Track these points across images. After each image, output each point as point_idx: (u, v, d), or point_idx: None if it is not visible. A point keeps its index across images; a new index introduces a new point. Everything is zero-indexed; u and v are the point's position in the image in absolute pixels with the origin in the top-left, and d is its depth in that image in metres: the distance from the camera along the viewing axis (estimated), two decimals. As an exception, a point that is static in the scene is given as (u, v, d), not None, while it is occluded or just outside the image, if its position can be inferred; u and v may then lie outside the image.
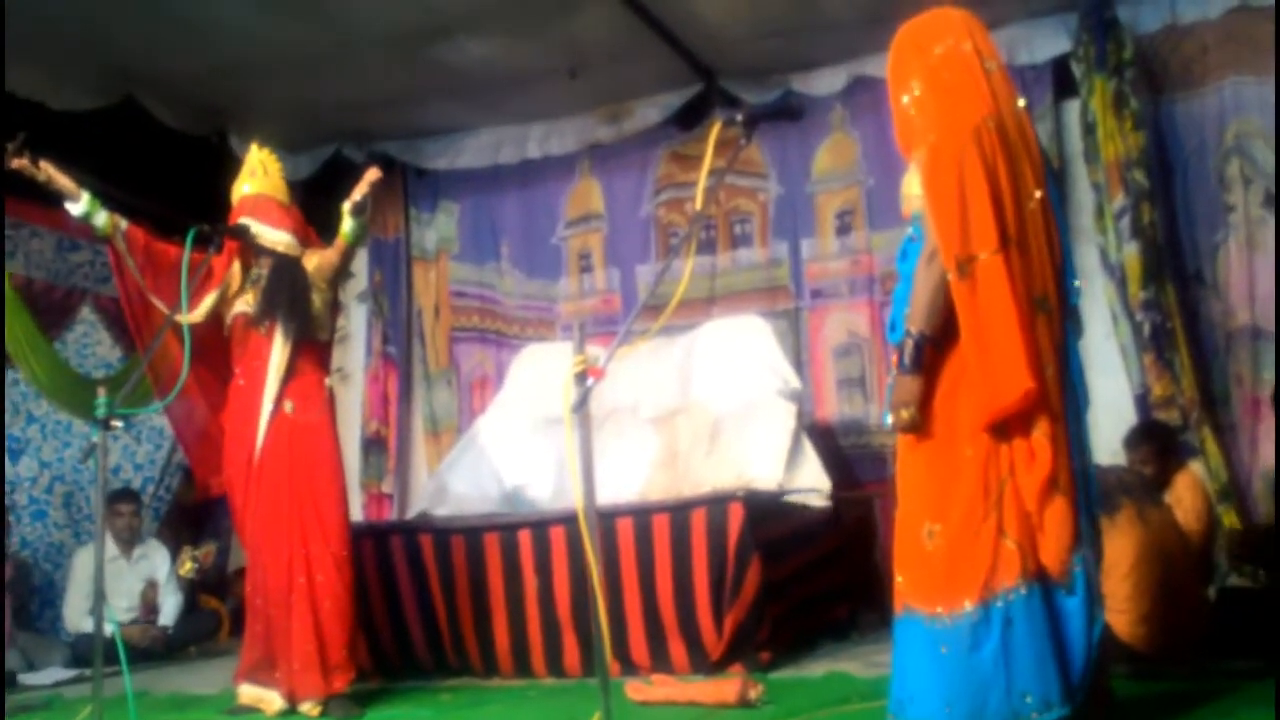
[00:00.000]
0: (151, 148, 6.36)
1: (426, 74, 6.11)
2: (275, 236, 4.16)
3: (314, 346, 4.22)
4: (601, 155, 6.92)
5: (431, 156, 7.15)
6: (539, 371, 5.79)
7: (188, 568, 6.49)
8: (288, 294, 4.12)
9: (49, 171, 3.92)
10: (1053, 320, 2.61)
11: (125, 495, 6.23)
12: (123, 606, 5.90)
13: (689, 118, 6.62)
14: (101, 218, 4.04)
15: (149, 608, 6.06)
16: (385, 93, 6.36)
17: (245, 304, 4.16)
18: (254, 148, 4.36)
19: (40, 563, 6.28)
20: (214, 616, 6.55)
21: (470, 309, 7.20)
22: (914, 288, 2.62)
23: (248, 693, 4.07)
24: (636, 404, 5.45)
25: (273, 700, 3.99)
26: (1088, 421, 2.72)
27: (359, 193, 4.12)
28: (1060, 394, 2.60)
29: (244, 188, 4.25)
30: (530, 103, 6.64)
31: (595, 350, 2.83)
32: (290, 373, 4.10)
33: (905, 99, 2.68)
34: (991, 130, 2.57)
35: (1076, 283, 2.75)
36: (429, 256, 7.33)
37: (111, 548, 5.82)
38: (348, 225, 4.17)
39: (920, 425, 2.60)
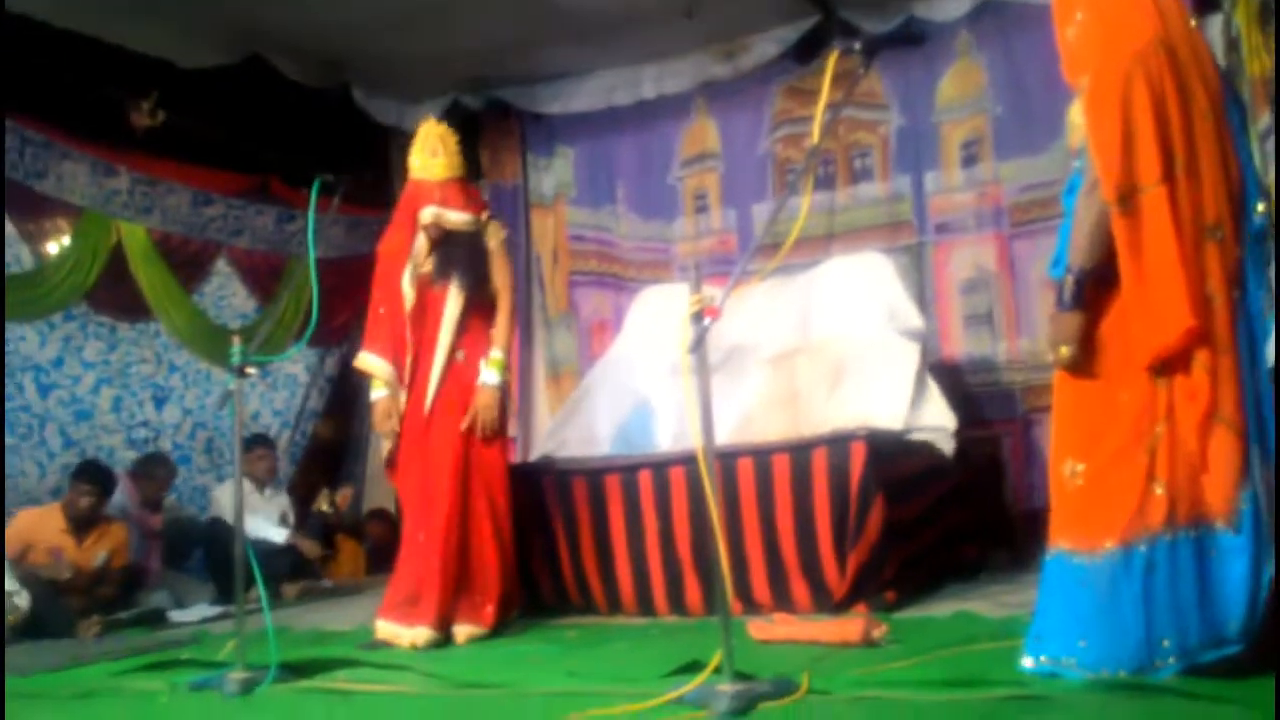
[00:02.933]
0: (277, 102, 6.53)
1: (540, 19, 6.11)
2: (458, 218, 4.41)
3: (483, 303, 4.46)
4: (717, 93, 6.83)
5: (546, 101, 7.16)
6: (656, 314, 5.78)
7: (324, 506, 6.75)
8: (464, 255, 4.40)
9: None
10: (1225, 247, 2.51)
11: (261, 441, 6.54)
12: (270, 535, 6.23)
13: (806, 51, 6.46)
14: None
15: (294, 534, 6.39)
16: (500, 40, 6.38)
17: (427, 266, 4.42)
18: (431, 122, 4.53)
19: (185, 505, 6.58)
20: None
21: (588, 253, 7.23)
22: (1075, 221, 2.56)
23: (385, 629, 4.23)
24: (756, 344, 5.39)
25: (406, 636, 4.15)
26: (1266, 352, 2.60)
27: None
28: (1231, 324, 2.49)
29: (426, 169, 4.41)
30: (644, 43, 6.58)
31: (711, 290, 2.80)
32: (462, 326, 4.38)
33: (1070, 31, 2.59)
34: (1160, 53, 2.47)
35: (1260, 206, 2.63)
36: (546, 202, 7.37)
37: (248, 485, 6.07)
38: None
39: (1080, 363, 2.53)
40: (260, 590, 3.71)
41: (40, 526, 5.40)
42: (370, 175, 7.32)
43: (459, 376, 4.35)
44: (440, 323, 4.36)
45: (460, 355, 4.37)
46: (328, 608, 5.64)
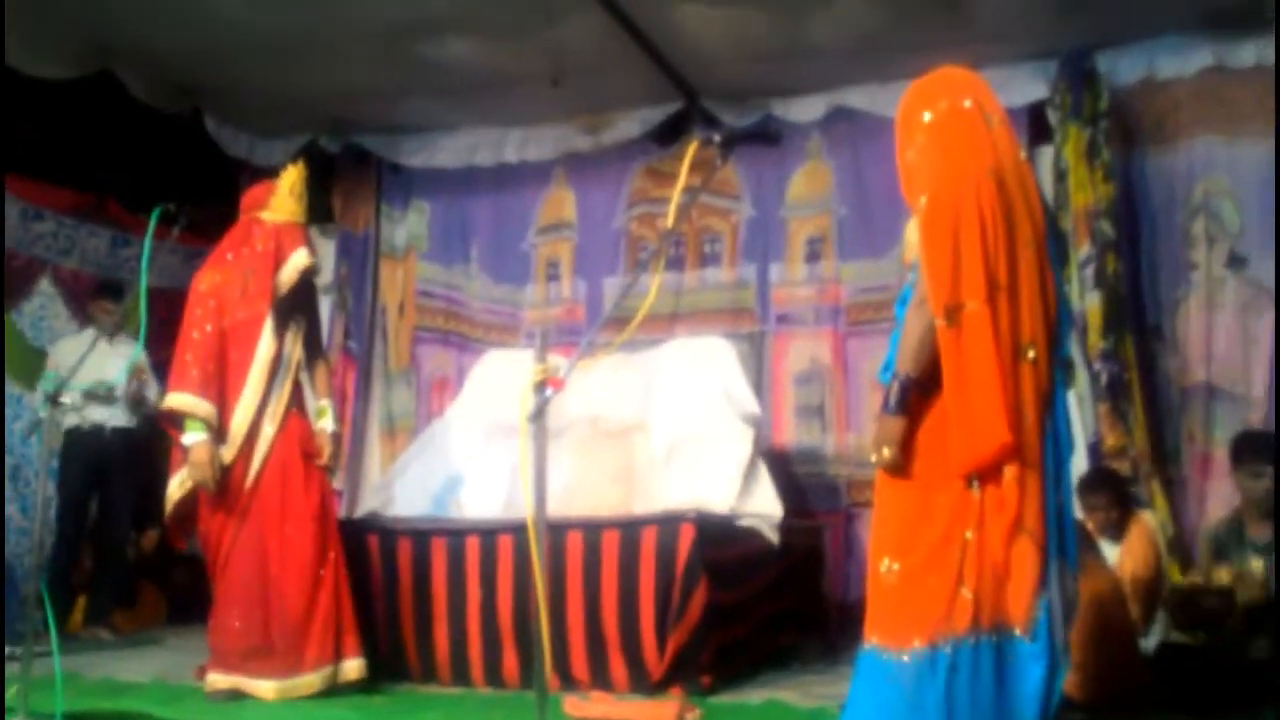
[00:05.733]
0: (123, 121, 6.31)
1: (408, 70, 6.08)
2: (319, 263, 4.56)
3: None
4: (577, 165, 6.92)
5: (407, 153, 7.11)
6: (499, 377, 5.75)
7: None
8: (304, 303, 4.48)
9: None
10: (1038, 368, 2.66)
11: (109, 292, 6.24)
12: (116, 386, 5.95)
13: (667, 134, 6.64)
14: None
15: (139, 392, 6.07)
16: (364, 86, 6.32)
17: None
18: (300, 166, 4.54)
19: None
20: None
21: (435, 309, 7.17)
22: (904, 331, 2.69)
23: (225, 680, 4.13)
24: (595, 418, 5.42)
25: (262, 689, 4.09)
26: (1070, 468, 2.76)
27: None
28: (1039, 440, 2.64)
29: (294, 213, 4.44)
30: (510, 107, 6.63)
31: (556, 360, 2.82)
32: (298, 375, 4.42)
33: (910, 154, 2.75)
34: (990, 182, 2.63)
35: (1067, 340, 2.82)
36: (398, 254, 7.30)
37: (98, 336, 5.79)
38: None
39: (901, 465, 2.64)
40: (52, 632, 3.51)
41: None
42: (215, 206, 7.12)
43: (295, 425, 4.33)
44: (277, 371, 4.31)
45: (293, 403, 4.36)
46: (124, 657, 5.34)
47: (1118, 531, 4.50)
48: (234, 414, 4.20)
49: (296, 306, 4.43)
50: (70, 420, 5.80)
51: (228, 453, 4.19)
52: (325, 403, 4.55)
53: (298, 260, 4.34)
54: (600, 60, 5.91)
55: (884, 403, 2.69)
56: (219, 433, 4.18)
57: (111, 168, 6.69)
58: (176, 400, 4.17)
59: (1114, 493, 4.61)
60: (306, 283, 4.45)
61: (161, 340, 6.43)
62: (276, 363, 4.31)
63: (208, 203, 6.56)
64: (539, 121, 6.79)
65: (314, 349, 4.62)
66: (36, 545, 3.71)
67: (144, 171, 6.43)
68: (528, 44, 5.78)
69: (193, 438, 4.13)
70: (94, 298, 6.24)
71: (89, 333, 6.03)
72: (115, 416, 6.03)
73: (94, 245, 6.88)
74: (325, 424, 4.47)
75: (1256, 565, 4.49)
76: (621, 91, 6.38)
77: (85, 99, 6.01)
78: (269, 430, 4.24)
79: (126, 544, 6.39)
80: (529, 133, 6.87)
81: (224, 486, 4.18)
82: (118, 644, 5.75)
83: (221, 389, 4.21)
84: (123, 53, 5.88)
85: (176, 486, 4.26)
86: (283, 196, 4.43)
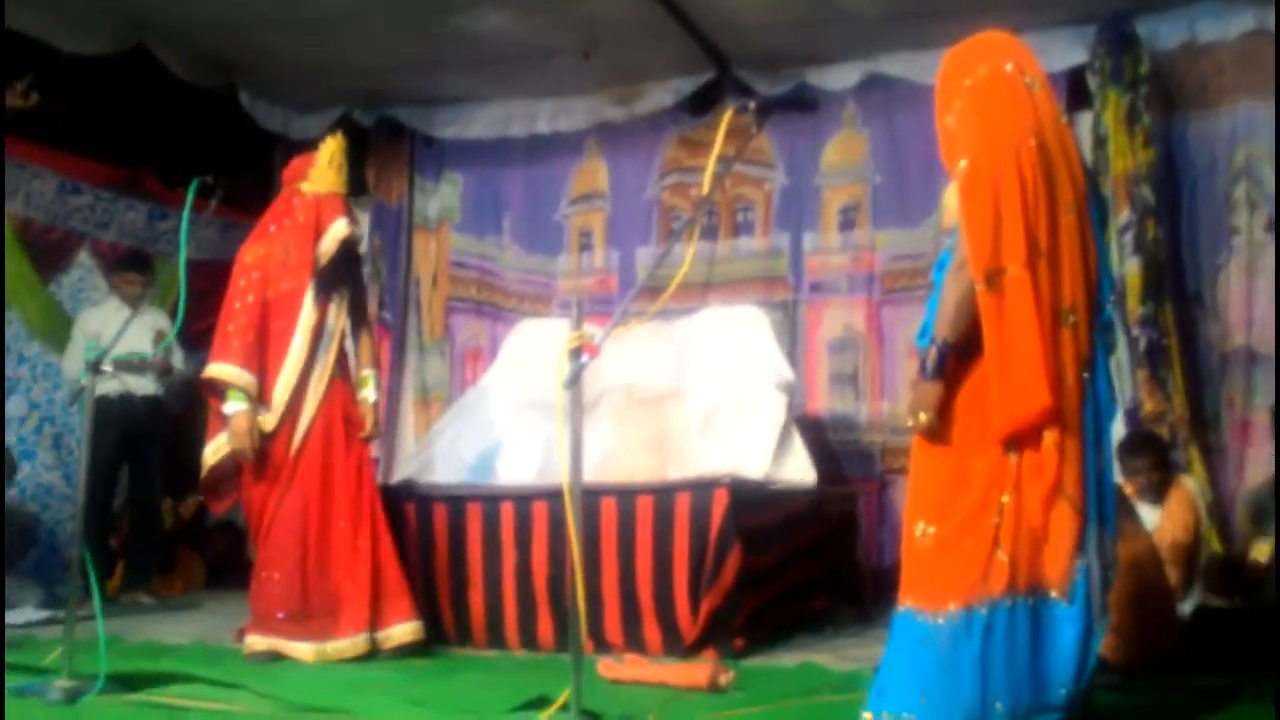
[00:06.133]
0: (159, 96, 6.35)
1: (441, 43, 6.08)
2: (360, 235, 4.70)
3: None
4: (610, 135, 6.90)
5: (440, 125, 7.12)
6: (533, 347, 5.78)
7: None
8: (346, 272, 4.55)
9: None
10: (1078, 332, 2.65)
11: (134, 263, 6.32)
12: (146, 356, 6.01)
13: (700, 104, 6.60)
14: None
15: (166, 361, 6.14)
16: (398, 59, 6.34)
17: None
18: (339, 138, 4.59)
19: (26, 502, 6.27)
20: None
21: (469, 280, 7.20)
22: (942, 296, 2.67)
23: (263, 642, 4.20)
24: (629, 385, 5.44)
25: (300, 650, 4.17)
26: (1110, 434, 2.75)
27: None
28: (1079, 405, 2.63)
29: (333, 184, 4.49)
30: (542, 78, 6.61)
31: (591, 328, 2.83)
32: (342, 344, 4.50)
33: (949, 119, 2.73)
34: (1031, 146, 2.62)
35: (1109, 304, 2.80)
36: (431, 225, 7.32)
37: (121, 307, 5.95)
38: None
39: (938, 430, 2.64)
40: (95, 596, 3.58)
41: None
42: (251, 179, 7.17)
43: (338, 394, 4.40)
44: (320, 340, 4.37)
45: (338, 372, 4.43)
46: (163, 620, 5.43)
47: (1158, 495, 4.48)
48: (276, 383, 4.27)
49: (339, 276, 4.48)
50: (101, 388, 5.87)
51: (269, 421, 4.26)
52: (368, 372, 4.62)
53: (337, 230, 4.40)
54: (632, 31, 5.89)
55: (920, 368, 2.69)
56: (260, 401, 4.25)
57: (147, 142, 6.75)
58: (218, 370, 4.25)
59: (1155, 455, 4.58)
60: (348, 253, 4.50)
61: (199, 311, 6.54)
62: (319, 332, 4.37)
63: (243, 176, 6.64)
64: (571, 93, 6.77)
65: (359, 318, 4.68)
66: (81, 512, 3.76)
67: (180, 146, 6.48)
68: (560, 15, 5.78)
69: (234, 407, 4.21)
70: (119, 269, 6.32)
71: (113, 303, 6.14)
72: (144, 385, 6.11)
73: (131, 218, 6.96)
74: (367, 394, 4.56)
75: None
76: (654, 62, 6.35)
77: (121, 74, 6.05)
78: (312, 399, 4.32)
79: (160, 509, 6.48)
80: (561, 104, 6.86)
81: (267, 454, 4.26)
82: (157, 608, 5.85)
83: (263, 359, 4.27)
84: (158, 28, 5.93)
85: (212, 452, 4.34)
86: (322, 168, 4.48)
